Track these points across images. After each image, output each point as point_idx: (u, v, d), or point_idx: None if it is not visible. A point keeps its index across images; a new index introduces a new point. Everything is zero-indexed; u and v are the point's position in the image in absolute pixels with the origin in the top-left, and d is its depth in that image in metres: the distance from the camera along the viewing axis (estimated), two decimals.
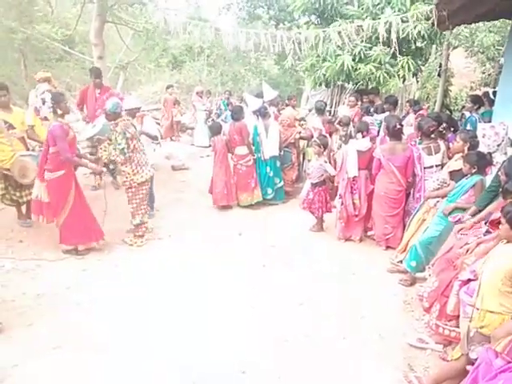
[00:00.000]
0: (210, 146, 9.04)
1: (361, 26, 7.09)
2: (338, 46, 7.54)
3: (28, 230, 5.49)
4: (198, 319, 3.81)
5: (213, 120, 10.92)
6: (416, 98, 11.20)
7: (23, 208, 5.62)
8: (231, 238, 5.78)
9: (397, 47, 6.78)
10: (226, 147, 6.90)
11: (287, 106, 8.18)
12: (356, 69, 7.53)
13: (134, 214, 5.41)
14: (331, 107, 8.76)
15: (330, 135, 6.78)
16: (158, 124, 11.09)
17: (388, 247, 5.44)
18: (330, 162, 6.10)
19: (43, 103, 4.78)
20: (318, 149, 5.85)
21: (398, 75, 7.62)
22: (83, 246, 5.09)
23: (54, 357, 3.27)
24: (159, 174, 7.76)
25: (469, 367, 2.54)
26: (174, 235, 5.79)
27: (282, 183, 7.31)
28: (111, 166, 7.02)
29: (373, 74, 7.37)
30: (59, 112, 4.77)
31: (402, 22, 6.87)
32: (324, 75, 7.87)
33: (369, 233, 5.72)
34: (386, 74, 7.47)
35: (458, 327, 3.22)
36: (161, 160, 8.86)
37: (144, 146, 5.58)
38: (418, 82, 11.80)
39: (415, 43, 7.65)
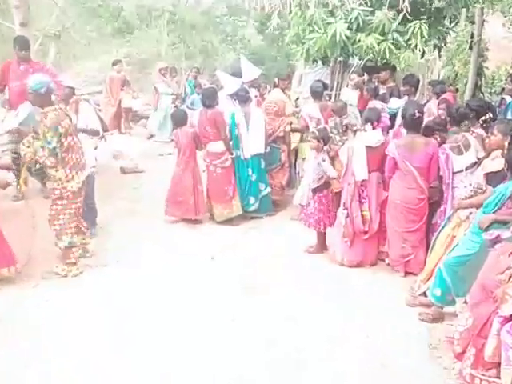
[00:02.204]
0: (171, 140, 9.01)
1: None
2: (329, 11, 7.54)
3: None
4: (159, 371, 3.79)
5: (176, 106, 10.94)
6: (441, 78, 11.35)
7: None
8: (201, 263, 5.76)
9: (408, 8, 6.73)
10: (194, 143, 6.89)
11: (275, 87, 8.22)
12: (355, 40, 7.53)
13: (60, 233, 5.26)
14: (332, 90, 8.78)
15: None
16: (100, 111, 11.01)
17: (407, 273, 5.49)
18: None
19: None
20: (317, 143, 5.88)
21: (409, 45, 7.65)
22: None
23: None
24: (104, 179, 7.70)
25: None
26: (123, 261, 5.73)
27: (269, 190, 7.32)
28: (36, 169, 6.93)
29: (373, 47, 7.39)
30: None
31: None
32: (313, 49, 7.80)
33: (387, 261, 5.77)
34: (393, 46, 7.47)
35: (499, 378, 3.23)
36: (106, 160, 8.75)
37: (81, 143, 5.45)
38: (440, 57, 11.94)
39: (431, 3, 7.70)
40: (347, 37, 7.36)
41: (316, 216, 5.97)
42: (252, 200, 7.14)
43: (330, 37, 7.35)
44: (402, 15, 7.30)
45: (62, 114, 5.11)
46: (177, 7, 18.77)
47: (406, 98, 7.14)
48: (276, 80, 8.33)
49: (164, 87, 11.78)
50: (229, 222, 6.97)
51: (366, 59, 8.45)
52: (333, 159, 6.18)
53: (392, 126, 6.66)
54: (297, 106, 8.67)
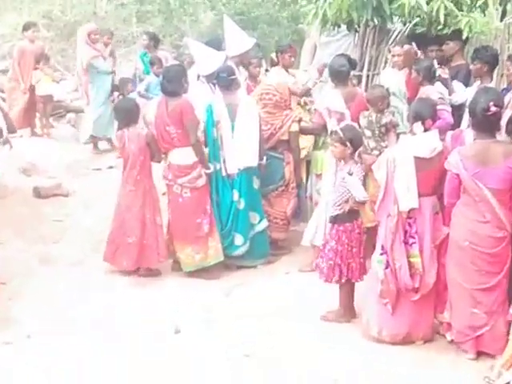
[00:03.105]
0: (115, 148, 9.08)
1: None
2: None
3: None
4: None
5: (121, 94, 11.06)
6: None
7: None
8: (160, 338, 5.73)
9: None
10: (149, 150, 6.94)
11: (274, 65, 8.33)
12: None
13: None
14: (362, 69, 8.89)
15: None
16: (4, 101, 11.25)
17: (480, 353, 5.42)
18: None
19: None
20: (342, 148, 5.89)
21: (476, 3, 7.76)
22: None
23: None
24: (7, 207, 7.88)
25: None
26: (37, 336, 5.71)
27: (266, 224, 7.41)
28: None
29: (420, 8, 7.50)
30: None
31: None
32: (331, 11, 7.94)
33: (448, 336, 5.70)
34: (451, 5, 7.54)
35: None
36: (12, 177, 8.90)
37: None
38: None
39: None
40: None
41: (331, 261, 5.95)
42: (239, 239, 7.19)
43: None
44: None
45: None
46: None
47: (477, 82, 7.17)
48: (275, 54, 8.44)
49: (103, 64, 11.79)
50: (203, 273, 7.00)
51: (413, 23, 8.53)
52: (364, 177, 6.24)
53: (458, 126, 6.65)
54: (309, 94, 8.67)
